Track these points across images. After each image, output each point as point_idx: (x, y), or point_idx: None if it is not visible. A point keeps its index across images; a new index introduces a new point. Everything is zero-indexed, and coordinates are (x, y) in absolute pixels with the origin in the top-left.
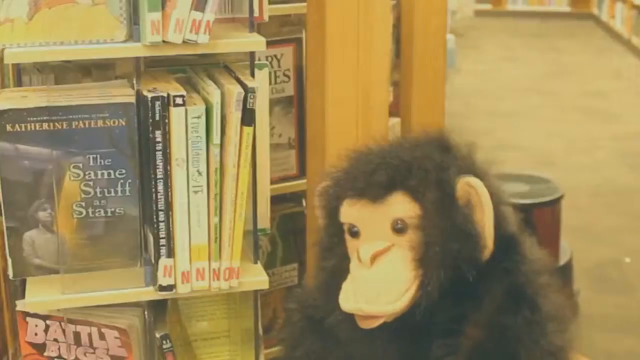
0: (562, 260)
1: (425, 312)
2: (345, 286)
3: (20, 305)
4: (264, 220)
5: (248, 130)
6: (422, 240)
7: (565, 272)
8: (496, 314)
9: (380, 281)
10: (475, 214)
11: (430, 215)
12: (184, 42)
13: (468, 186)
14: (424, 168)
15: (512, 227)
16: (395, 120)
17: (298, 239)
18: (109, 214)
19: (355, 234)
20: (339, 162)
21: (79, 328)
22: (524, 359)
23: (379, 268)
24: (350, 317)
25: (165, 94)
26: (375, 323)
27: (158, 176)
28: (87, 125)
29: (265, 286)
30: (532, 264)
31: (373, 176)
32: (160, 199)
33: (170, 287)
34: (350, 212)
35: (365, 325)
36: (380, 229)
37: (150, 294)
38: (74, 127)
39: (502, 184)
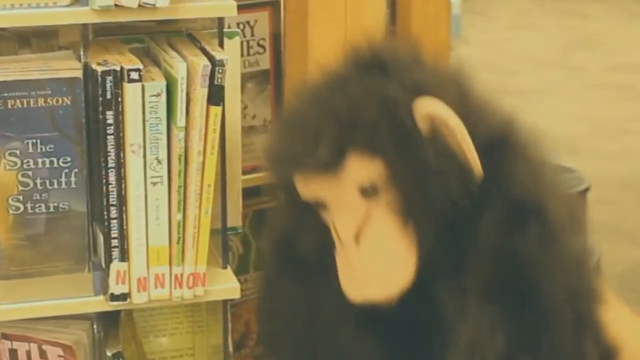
0: None
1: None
2: (342, 267)
3: None
4: (235, 217)
5: (216, 110)
6: (399, 196)
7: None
8: (501, 237)
9: (378, 259)
10: (448, 140)
11: (397, 168)
12: (139, 5)
13: (427, 114)
14: (368, 114)
15: (494, 124)
16: None
17: None
18: (52, 210)
19: (323, 207)
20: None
21: (15, 345)
22: (545, 283)
23: (367, 244)
24: None
25: (118, 68)
26: (392, 300)
27: (109, 165)
28: (25, 105)
29: (236, 295)
30: (529, 162)
31: (316, 149)
32: (112, 191)
33: (123, 296)
34: (307, 188)
35: (382, 303)
36: (349, 198)
37: (100, 304)
38: (9, 106)
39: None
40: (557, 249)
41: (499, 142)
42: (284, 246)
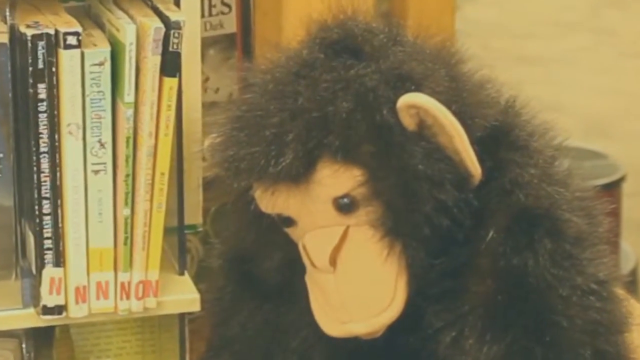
0: (625, 269)
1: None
2: (315, 296)
3: None
4: (194, 213)
5: (171, 82)
6: (383, 209)
7: (628, 285)
8: (505, 254)
9: (359, 287)
10: (439, 138)
11: (378, 174)
12: None
13: (413, 108)
14: (341, 111)
15: (493, 115)
16: None
17: None
18: None
19: (289, 223)
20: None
21: None
22: (560, 312)
23: (346, 270)
24: None
25: (52, 31)
26: (378, 334)
27: (41, 149)
28: None
29: (196, 307)
30: (537, 160)
31: (280, 155)
32: (45, 182)
33: (58, 309)
34: (271, 202)
35: (365, 337)
36: (321, 213)
37: (30, 318)
38: None
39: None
40: (574, 269)
41: (501, 137)
42: (240, 266)
